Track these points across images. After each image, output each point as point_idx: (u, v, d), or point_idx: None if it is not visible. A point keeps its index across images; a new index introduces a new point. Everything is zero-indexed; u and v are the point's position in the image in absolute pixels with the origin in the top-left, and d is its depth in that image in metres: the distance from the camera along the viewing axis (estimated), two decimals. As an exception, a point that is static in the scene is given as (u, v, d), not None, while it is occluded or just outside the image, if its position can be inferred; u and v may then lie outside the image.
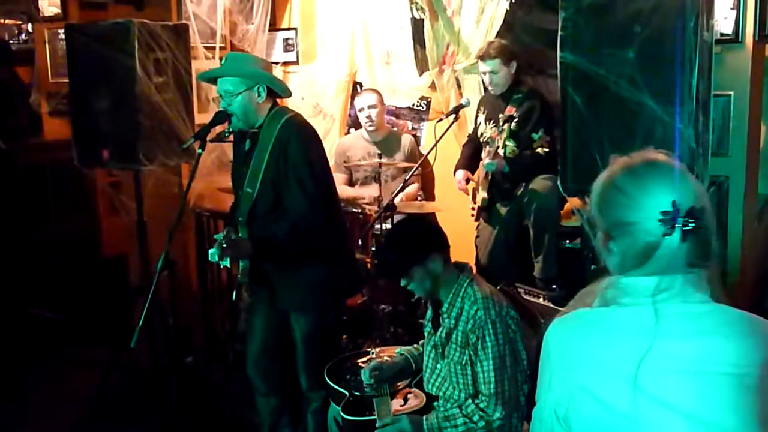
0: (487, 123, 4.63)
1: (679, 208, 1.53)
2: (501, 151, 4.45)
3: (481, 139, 4.69)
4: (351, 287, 4.05)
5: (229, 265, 3.33)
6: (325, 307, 3.69)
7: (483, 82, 4.68)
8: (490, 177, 4.56)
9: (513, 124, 4.45)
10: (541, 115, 4.46)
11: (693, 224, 1.53)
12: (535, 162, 4.42)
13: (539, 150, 4.41)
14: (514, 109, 4.46)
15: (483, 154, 4.65)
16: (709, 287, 1.59)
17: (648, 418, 1.49)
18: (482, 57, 4.52)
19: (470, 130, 5.02)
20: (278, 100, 3.62)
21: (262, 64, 3.59)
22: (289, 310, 3.64)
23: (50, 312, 5.78)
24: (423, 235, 3.10)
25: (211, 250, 3.29)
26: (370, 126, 5.24)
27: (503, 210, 4.60)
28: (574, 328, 1.64)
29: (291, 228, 3.38)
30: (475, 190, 4.67)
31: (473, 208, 4.67)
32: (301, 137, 3.45)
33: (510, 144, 4.48)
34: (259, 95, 3.41)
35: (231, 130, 3.47)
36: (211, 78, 3.54)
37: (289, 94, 3.68)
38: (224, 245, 3.22)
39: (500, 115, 4.48)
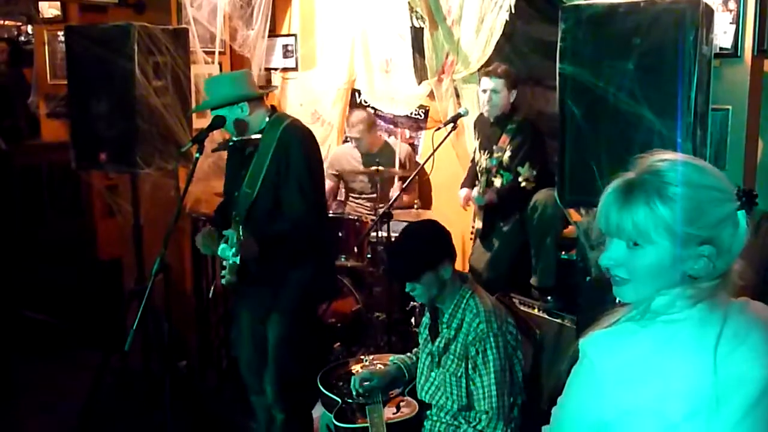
0: (482, 152, 4.65)
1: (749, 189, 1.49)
2: (497, 182, 4.50)
3: (477, 168, 4.71)
4: (329, 292, 4.11)
5: (238, 261, 3.31)
6: (303, 311, 3.67)
7: (480, 101, 4.64)
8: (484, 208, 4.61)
9: (505, 158, 4.50)
10: (529, 149, 4.48)
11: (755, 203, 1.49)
12: (524, 197, 4.47)
13: (524, 185, 4.43)
14: (508, 139, 4.51)
15: (476, 183, 4.68)
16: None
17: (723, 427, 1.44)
18: (488, 73, 4.53)
19: (468, 140, 5.04)
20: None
21: (238, 80, 3.62)
22: (269, 311, 3.62)
23: (44, 314, 5.77)
24: (438, 239, 3.07)
25: (222, 246, 3.33)
26: (356, 147, 5.31)
27: (498, 235, 4.63)
28: (626, 343, 1.53)
29: (291, 229, 3.43)
30: (475, 213, 4.69)
31: (473, 229, 4.70)
32: (302, 143, 3.53)
33: (505, 176, 4.53)
34: (242, 110, 3.51)
35: (233, 140, 3.61)
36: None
37: (265, 91, 3.97)
38: (242, 241, 3.25)
39: (494, 146, 4.51)
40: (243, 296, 3.77)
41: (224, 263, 3.46)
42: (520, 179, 4.44)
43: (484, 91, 4.54)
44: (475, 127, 4.82)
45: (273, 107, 3.68)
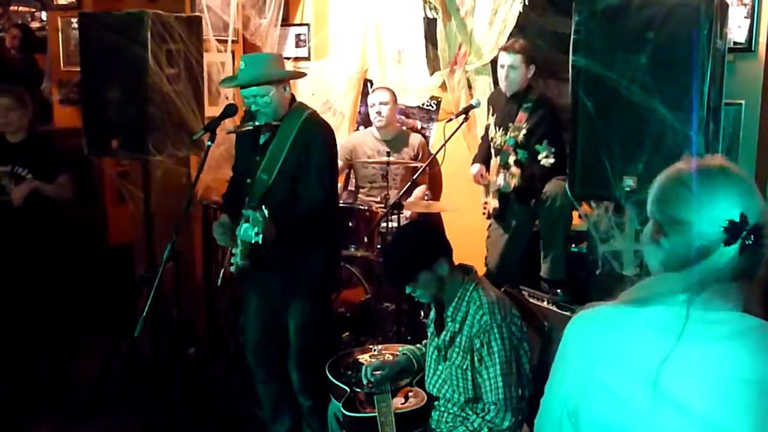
0: (497, 129, 4.61)
1: (747, 222, 1.51)
2: (513, 168, 4.45)
3: (492, 144, 4.69)
4: (337, 282, 4.18)
5: (260, 242, 3.27)
6: (321, 299, 3.74)
7: (498, 76, 4.62)
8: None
9: (521, 136, 4.45)
10: (548, 126, 4.44)
11: (754, 240, 1.51)
12: (544, 176, 4.41)
13: (544, 162, 4.38)
14: (525, 116, 4.46)
15: (492, 162, 4.65)
16: (741, 300, 1.54)
17: (664, 418, 1.47)
18: (506, 48, 4.51)
19: (480, 129, 5.02)
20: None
21: (278, 61, 3.68)
22: (287, 298, 3.65)
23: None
24: (428, 239, 3.10)
25: (246, 225, 3.29)
26: (379, 121, 5.25)
27: (515, 216, 4.60)
28: (596, 323, 1.62)
29: (308, 215, 3.47)
30: (487, 187, 4.68)
31: (485, 204, 4.69)
32: (323, 135, 3.62)
33: (521, 154, 4.47)
34: (285, 90, 3.57)
35: (257, 124, 3.54)
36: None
37: (303, 74, 3.97)
38: (266, 222, 3.22)
39: (510, 124, 4.48)
40: (253, 282, 3.78)
41: (233, 250, 3.46)
42: (539, 157, 4.37)
43: (502, 66, 4.51)
44: (489, 103, 4.80)
45: (293, 95, 3.71)
